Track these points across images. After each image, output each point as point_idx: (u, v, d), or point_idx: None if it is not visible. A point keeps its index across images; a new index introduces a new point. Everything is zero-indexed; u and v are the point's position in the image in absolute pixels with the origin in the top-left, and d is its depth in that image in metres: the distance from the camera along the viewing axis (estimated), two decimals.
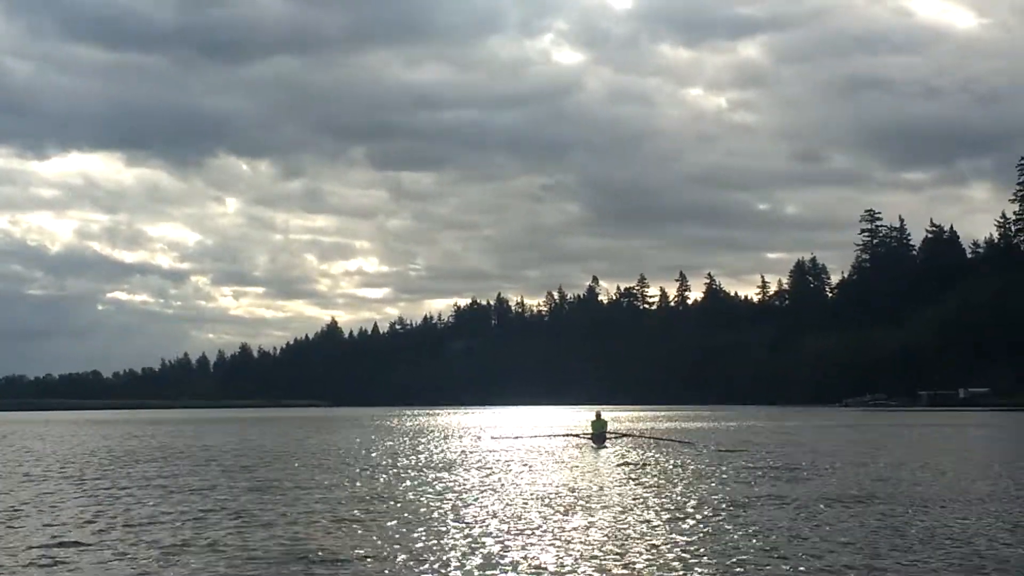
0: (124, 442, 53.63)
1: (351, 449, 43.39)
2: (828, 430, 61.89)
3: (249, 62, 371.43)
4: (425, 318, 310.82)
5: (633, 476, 28.23)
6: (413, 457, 37.84)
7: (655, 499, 22.27)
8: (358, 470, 31.34)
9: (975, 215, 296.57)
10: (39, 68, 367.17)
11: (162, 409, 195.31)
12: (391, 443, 49.07)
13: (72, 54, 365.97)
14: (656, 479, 26.95)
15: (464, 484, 26.46)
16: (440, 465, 33.35)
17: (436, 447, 45.15)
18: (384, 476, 28.95)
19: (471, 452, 41.12)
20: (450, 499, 22.79)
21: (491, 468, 32.08)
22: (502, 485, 26.15)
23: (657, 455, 37.39)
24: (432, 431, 65.83)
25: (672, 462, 33.58)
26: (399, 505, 21.66)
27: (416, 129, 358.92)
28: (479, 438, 54.76)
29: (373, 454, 39.86)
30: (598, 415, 49.30)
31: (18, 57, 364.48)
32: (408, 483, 26.59)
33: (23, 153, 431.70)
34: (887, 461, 33.13)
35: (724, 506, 20.84)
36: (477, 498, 23.08)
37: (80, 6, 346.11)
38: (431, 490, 24.85)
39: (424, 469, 31.67)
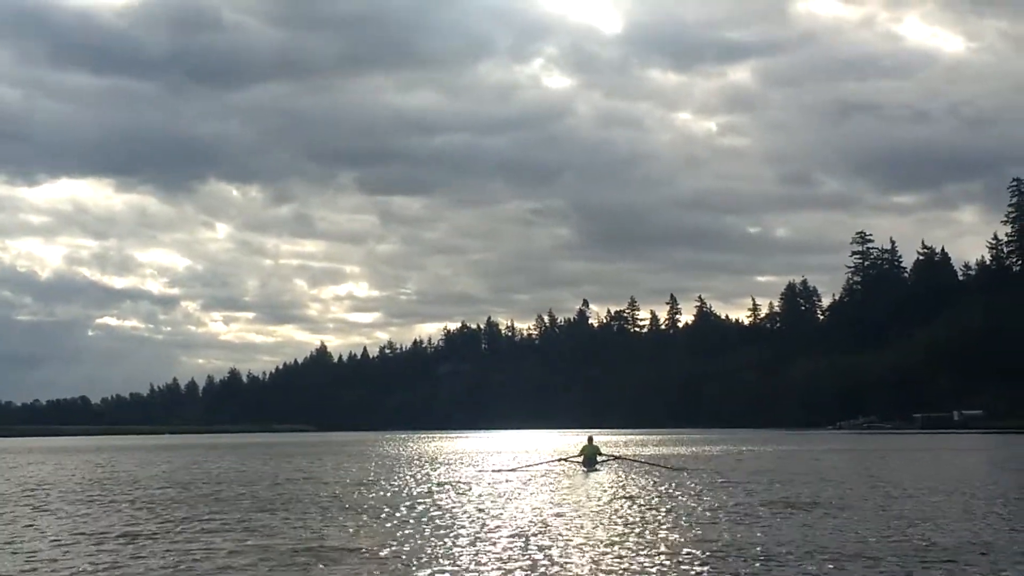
0: (39, 471, 50.96)
1: (317, 480, 39.85)
2: (829, 455, 60.55)
3: (239, 88, 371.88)
4: (415, 342, 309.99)
5: (624, 506, 26.81)
6: (379, 490, 36.32)
7: (650, 537, 20.78)
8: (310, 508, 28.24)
9: (964, 238, 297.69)
10: (29, 94, 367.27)
11: (148, 435, 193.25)
12: (363, 472, 47.35)
13: (62, 80, 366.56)
14: (649, 513, 25.13)
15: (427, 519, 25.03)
16: (397, 503, 31.25)
17: (410, 478, 43.58)
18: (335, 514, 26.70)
19: (448, 484, 39.67)
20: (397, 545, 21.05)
21: (472, 498, 30.83)
22: (482, 516, 24.90)
23: (649, 482, 36.06)
24: (416, 459, 64.13)
25: (666, 491, 31.89)
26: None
27: (406, 154, 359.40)
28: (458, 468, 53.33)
29: (334, 487, 35.97)
30: (590, 439, 48.53)
31: (8, 83, 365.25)
32: (354, 524, 24.17)
33: (12, 179, 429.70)
34: (916, 494, 29.75)
35: (738, 556, 17.84)
36: (450, 534, 21.79)
37: (70, 32, 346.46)
38: (383, 530, 23.15)
39: (391, 504, 30.09)
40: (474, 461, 55.99)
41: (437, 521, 23.07)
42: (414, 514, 24.74)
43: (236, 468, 50.64)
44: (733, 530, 20.64)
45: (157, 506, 28.32)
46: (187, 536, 21.17)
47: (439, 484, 36.00)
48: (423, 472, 44.54)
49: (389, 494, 31.50)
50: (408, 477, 40.66)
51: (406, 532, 21.07)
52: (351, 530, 21.67)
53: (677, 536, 19.84)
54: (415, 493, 31.72)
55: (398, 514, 24.81)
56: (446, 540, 19.72)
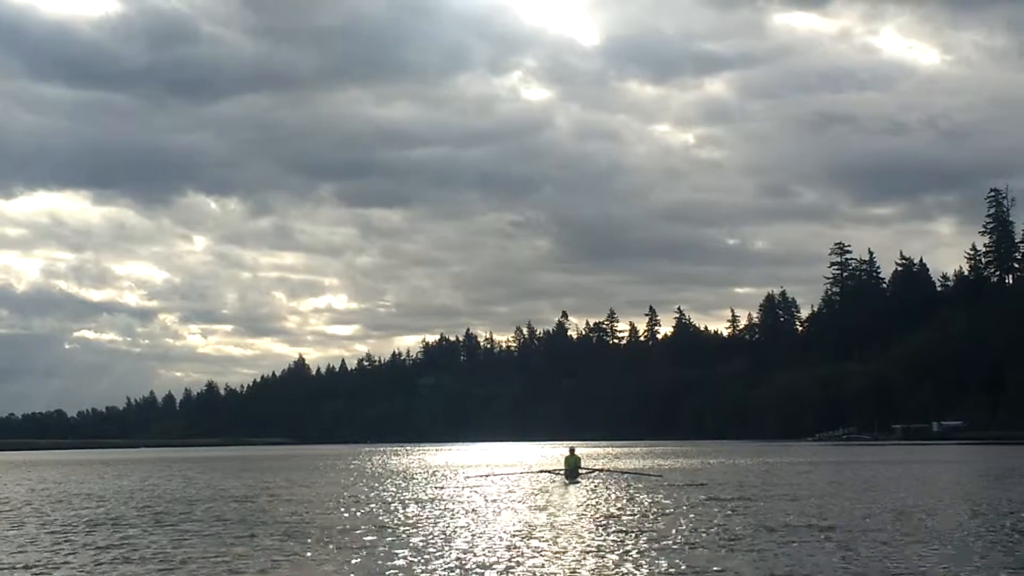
0: None
1: (270, 498, 37.81)
2: (816, 468, 59.87)
3: (218, 100, 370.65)
4: (394, 355, 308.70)
5: (604, 524, 25.89)
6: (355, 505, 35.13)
7: (631, 564, 19.84)
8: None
9: (941, 249, 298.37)
10: (6, 107, 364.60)
11: (122, 449, 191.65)
12: (327, 488, 46.16)
13: (39, 93, 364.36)
14: (629, 537, 23.84)
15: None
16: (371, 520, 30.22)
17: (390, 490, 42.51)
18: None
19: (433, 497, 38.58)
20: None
21: (454, 509, 29.81)
22: (468, 527, 23.96)
23: (631, 497, 35.21)
24: (389, 473, 63.06)
25: (648, 509, 30.89)
26: None
27: (385, 166, 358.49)
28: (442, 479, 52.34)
29: (286, 505, 33.76)
30: (571, 451, 48.03)
31: None
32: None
33: None
34: (928, 512, 28.20)
35: None
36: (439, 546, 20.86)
37: (47, 45, 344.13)
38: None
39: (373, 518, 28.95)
40: (450, 475, 54.90)
41: (389, 548, 20.93)
42: (378, 541, 22.31)
43: (189, 485, 48.55)
44: (721, 557, 19.59)
45: (71, 529, 26.07)
46: (80, 568, 18.97)
47: (406, 501, 34.47)
48: (393, 487, 43.16)
49: (347, 514, 29.16)
50: (376, 493, 39.04)
51: (349, 561, 19.01)
52: (283, 559, 19.51)
53: (664, 564, 18.77)
54: (378, 512, 29.63)
55: (344, 540, 22.44)
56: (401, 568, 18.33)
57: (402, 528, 24.60)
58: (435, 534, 23.08)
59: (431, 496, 36.47)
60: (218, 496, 38.61)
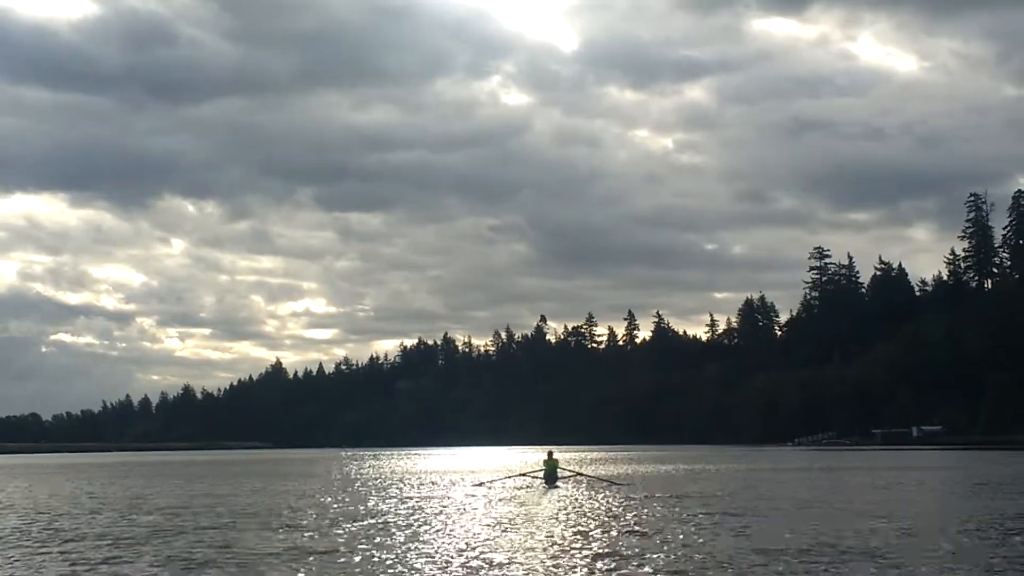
0: None
1: (206, 510, 35.90)
2: (797, 475, 59.11)
3: (196, 103, 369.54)
4: (371, 358, 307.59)
5: (583, 533, 24.89)
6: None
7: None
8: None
9: (918, 255, 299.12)
10: None
11: (96, 453, 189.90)
12: (277, 497, 44.53)
13: (16, 95, 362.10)
14: (604, 562, 22.46)
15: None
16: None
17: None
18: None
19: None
20: None
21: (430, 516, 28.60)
22: (432, 541, 22.88)
23: (611, 506, 34.18)
24: (364, 480, 61.77)
25: (633, 521, 29.73)
26: None
27: (364, 170, 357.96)
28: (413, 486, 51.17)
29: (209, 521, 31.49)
30: (550, 454, 47.58)
31: None
32: None
33: None
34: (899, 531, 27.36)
35: None
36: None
37: (24, 47, 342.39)
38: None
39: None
40: (423, 481, 53.45)
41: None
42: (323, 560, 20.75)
43: (132, 492, 45.33)
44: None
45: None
46: None
47: (370, 511, 32.69)
48: (359, 496, 41.47)
49: (294, 533, 25.40)
50: (338, 502, 37.39)
51: None
52: None
53: None
54: (333, 523, 28.09)
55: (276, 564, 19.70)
56: None
57: (358, 543, 23.22)
58: (388, 551, 21.47)
59: (399, 506, 34.91)
60: (155, 505, 36.19)
